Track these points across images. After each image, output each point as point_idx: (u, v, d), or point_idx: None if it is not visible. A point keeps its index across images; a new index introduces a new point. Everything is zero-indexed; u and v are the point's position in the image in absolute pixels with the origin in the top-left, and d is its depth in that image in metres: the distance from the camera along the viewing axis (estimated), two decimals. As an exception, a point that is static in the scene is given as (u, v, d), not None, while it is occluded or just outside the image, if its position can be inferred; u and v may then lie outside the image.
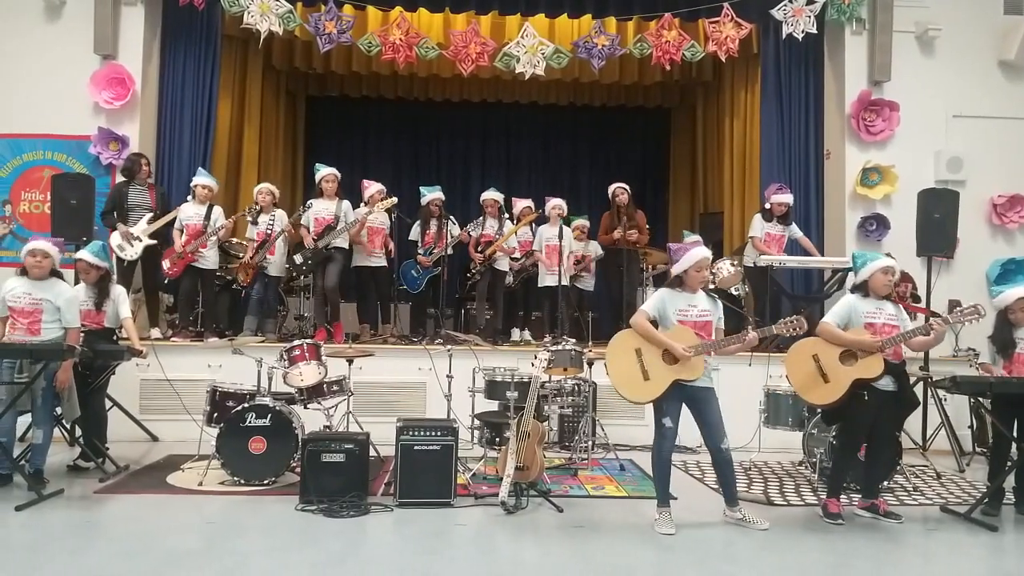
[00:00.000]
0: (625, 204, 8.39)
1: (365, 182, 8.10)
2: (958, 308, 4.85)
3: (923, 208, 7.42)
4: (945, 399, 6.95)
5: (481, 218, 8.30)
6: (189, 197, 7.46)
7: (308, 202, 7.71)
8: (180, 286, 7.50)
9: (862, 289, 4.95)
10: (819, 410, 5.35)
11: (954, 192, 7.54)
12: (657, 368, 4.57)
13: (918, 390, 7.15)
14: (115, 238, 7.24)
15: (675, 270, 4.73)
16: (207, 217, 7.36)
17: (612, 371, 4.70)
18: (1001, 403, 5.22)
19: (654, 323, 4.69)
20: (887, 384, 4.82)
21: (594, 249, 9.00)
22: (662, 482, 4.72)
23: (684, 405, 4.64)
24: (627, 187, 8.49)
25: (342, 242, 7.69)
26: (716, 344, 4.59)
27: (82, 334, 5.41)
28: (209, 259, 7.45)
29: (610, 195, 8.52)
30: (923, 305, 7.32)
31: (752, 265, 7.85)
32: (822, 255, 8.10)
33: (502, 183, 9.97)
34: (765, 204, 7.91)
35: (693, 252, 4.68)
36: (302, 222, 7.66)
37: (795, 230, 7.94)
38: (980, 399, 5.91)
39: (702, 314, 4.66)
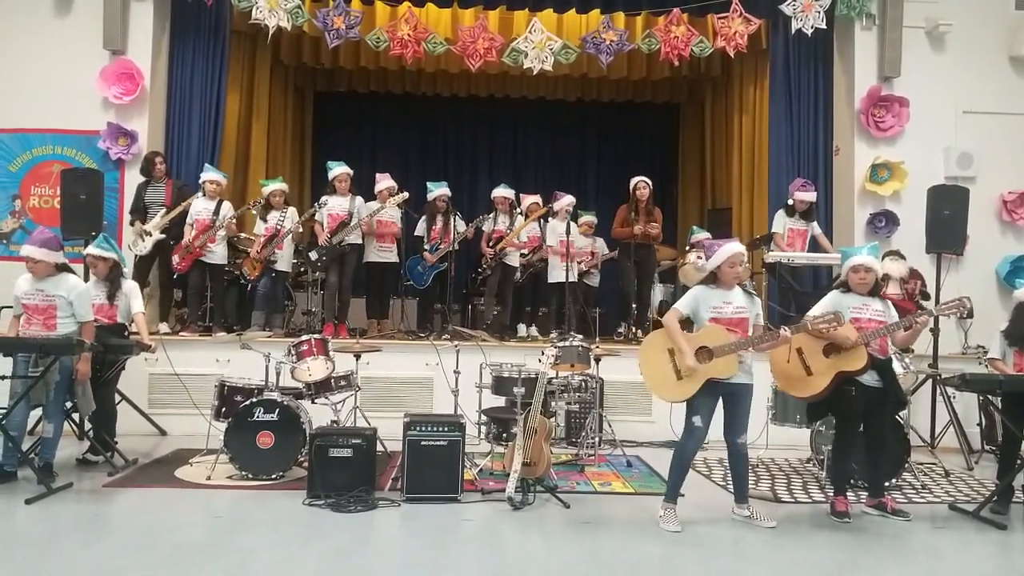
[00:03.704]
0: (645, 199, 8.24)
1: (379, 175, 8.13)
2: (942, 302, 4.84)
3: (933, 205, 7.37)
4: (954, 396, 6.90)
5: (493, 214, 8.31)
6: (200, 193, 7.50)
7: (322, 199, 7.72)
8: (189, 281, 7.53)
9: (845, 285, 4.95)
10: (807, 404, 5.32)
11: (964, 188, 7.49)
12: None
13: (926, 388, 7.17)
14: (129, 235, 7.31)
15: (708, 266, 4.71)
16: (216, 212, 7.40)
17: (645, 371, 4.70)
18: (1011, 401, 5.20)
19: (688, 321, 4.67)
20: (872, 379, 4.81)
21: (601, 246, 8.98)
22: (676, 479, 4.69)
23: (720, 402, 4.63)
24: (649, 182, 8.32)
25: (356, 238, 7.72)
26: (749, 341, 4.56)
27: (95, 329, 5.43)
28: (217, 254, 7.49)
29: (631, 188, 8.31)
30: (931, 302, 7.29)
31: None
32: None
33: (510, 178, 9.97)
34: (788, 200, 7.89)
35: (726, 248, 4.66)
36: (316, 219, 7.69)
37: (815, 227, 7.92)
38: (990, 397, 5.88)
39: (738, 311, 4.62)
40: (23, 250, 5.28)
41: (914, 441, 6.39)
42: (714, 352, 4.51)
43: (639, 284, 8.31)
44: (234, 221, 7.53)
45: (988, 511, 5.00)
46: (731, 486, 4.97)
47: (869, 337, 4.71)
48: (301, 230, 7.85)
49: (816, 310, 4.86)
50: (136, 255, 7.34)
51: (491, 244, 8.13)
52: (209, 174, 7.52)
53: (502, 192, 8.36)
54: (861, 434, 4.93)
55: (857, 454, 5.05)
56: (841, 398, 4.82)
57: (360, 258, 7.89)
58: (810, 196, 7.81)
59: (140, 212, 7.49)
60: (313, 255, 7.60)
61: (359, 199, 7.78)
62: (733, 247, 4.66)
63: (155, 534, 4.26)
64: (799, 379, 4.89)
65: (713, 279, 4.70)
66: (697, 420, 4.58)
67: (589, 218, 8.80)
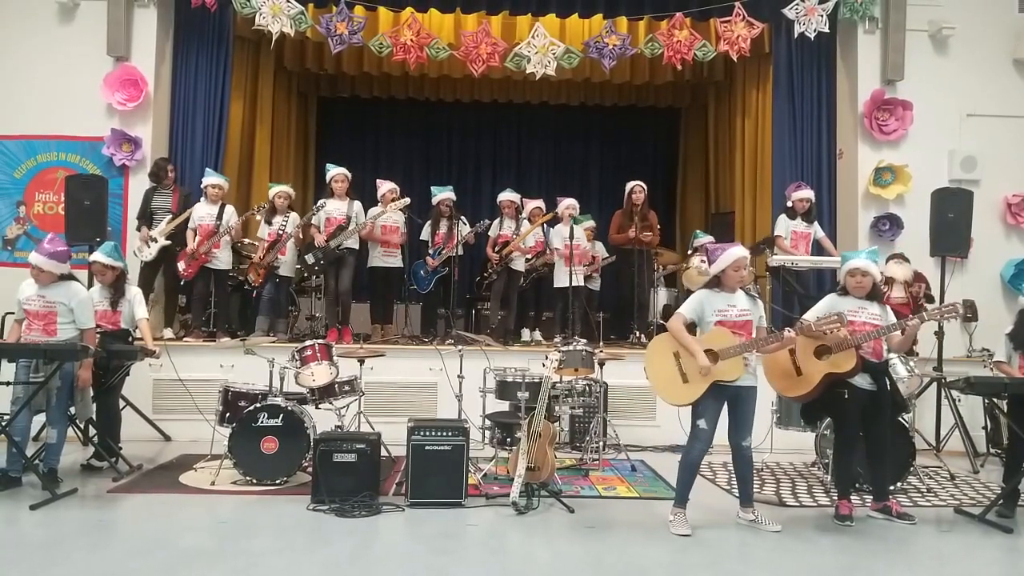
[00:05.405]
0: (641, 203, 8.36)
1: (379, 181, 8.14)
2: (935, 306, 4.85)
3: (937, 208, 7.36)
4: (959, 399, 6.89)
5: (499, 219, 8.32)
6: (202, 198, 7.51)
7: (320, 202, 7.74)
8: (194, 287, 7.53)
9: (844, 289, 4.98)
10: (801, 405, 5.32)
11: (968, 192, 7.48)
12: (695, 370, 4.54)
13: (931, 391, 7.15)
14: (135, 240, 7.33)
15: (712, 270, 4.72)
16: (219, 217, 7.41)
17: (651, 374, 4.70)
18: (1016, 404, 5.18)
19: (693, 325, 4.68)
20: (865, 383, 4.81)
21: (600, 250, 8.99)
22: (685, 483, 4.69)
23: (725, 404, 4.63)
24: (644, 186, 8.46)
25: (353, 243, 7.71)
26: (755, 343, 4.57)
27: (98, 335, 5.44)
28: (222, 259, 7.50)
29: (627, 192, 8.48)
30: (935, 305, 7.28)
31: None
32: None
33: (513, 183, 9.98)
34: (787, 203, 7.88)
35: (731, 252, 4.66)
36: (313, 222, 7.70)
37: (818, 229, 7.90)
38: (995, 400, 5.86)
39: (741, 313, 4.63)
40: (31, 257, 5.27)
41: (919, 444, 6.39)
42: (720, 355, 4.52)
43: (637, 289, 8.33)
44: (237, 227, 7.54)
45: (994, 515, 4.98)
46: (736, 490, 4.95)
47: (860, 340, 4.72)
48: (301, 236, 7.86)
49: (811, 314, 4.89)
50: (142, 261, 7.35)
51: (497, 249, 8.14)
52: (211, 178, 7.53)
53: (508, 196, 8.37)
54: (863, 437, 4.93)
55: (860, 457, 5.04)
56: (834, 400, 4.84)
57: (358, 263, 7.88)
58: (807, 193, 7.81)
59: (146, 218, 7.52)
60: (309, 258, 7.59)
61: (357, 203, 7.77)
62: (737, 251, 4.67)
63: (160, 539, 4.26)
64: (790, 379, 4.92)
65: (716, 283, 4.70)
66: (702, 423, 4.58)
67: (588, 223, 8.81)
